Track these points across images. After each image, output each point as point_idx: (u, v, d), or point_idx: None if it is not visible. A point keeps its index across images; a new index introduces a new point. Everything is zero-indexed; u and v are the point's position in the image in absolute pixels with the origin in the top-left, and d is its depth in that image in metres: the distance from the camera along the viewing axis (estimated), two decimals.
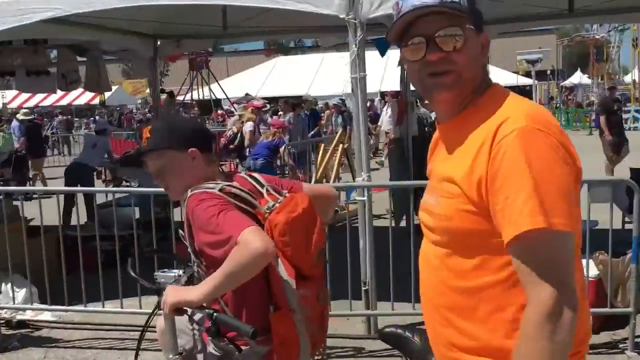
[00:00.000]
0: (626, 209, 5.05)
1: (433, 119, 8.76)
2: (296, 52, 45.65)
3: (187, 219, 2.07)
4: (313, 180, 8.42)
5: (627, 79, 37.01)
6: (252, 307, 2.05)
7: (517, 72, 29.86)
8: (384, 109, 13.32)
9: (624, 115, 24.29)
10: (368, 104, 6.46)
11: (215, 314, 1.86)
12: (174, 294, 1.93)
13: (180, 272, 2.28)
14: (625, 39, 34.08)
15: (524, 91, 24.47)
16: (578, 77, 42.53)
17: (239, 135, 11.14)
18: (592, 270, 4.40)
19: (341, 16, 4.34)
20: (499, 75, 25.62)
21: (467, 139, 1.38)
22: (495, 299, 1.36)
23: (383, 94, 20.63)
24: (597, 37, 33.86)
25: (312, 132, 12.74)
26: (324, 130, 14.76)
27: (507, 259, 1.32)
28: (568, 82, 40.65)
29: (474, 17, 1.40)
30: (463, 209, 1.35)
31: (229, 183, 2.11)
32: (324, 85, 23.61)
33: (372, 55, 5.39)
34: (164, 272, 2.32)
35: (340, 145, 8.57)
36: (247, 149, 10.68)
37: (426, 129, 7.66)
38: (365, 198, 4.50)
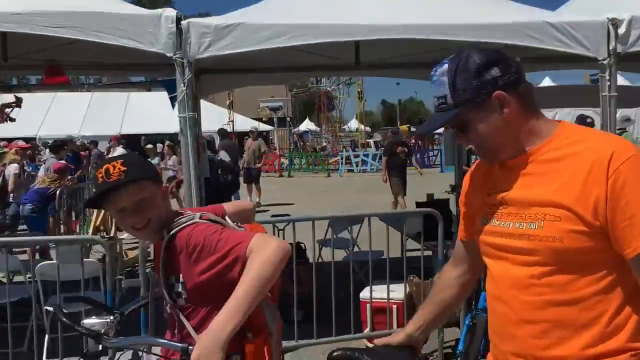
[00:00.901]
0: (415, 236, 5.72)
1: (227, 161, 8.89)
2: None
3: (163, 253, 1.97)
4: (91, 229, 7.82)
5: (353, 125, 42.04)
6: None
7: (260, 119, 31.68)
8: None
9: (355, 159, 27.52)
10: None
11: (189, 346, 1.75)
12: (214, 345, 1.70)
13: (110, 317, 2.05)
14: (351, 92, 38.78)
15: (265, 137, 26.29)
16: (306, 125, 46.88)
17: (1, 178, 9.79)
18: (398, 293, 4.95)
19: (168, 55, 4.27)
20: (242, 121, 27.03)
21: (565, 167, 1.52)
22: (595, 308, 1.50)
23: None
24: (329, 88, 37.87)
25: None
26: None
27: (608, 268, 1.50)
28: (299, 129, 44.53)
29: (463, 101, 1.57)
30: (573, 229, 1.47)
31: (201, 212, 2.06)
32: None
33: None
34: (91, 319, 2.06)
35: None
36: (11, 194, 9.44)
37: (219, 171, 7.76)
38: None
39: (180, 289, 1.98)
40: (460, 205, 1.91)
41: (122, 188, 1.94)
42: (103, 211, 7.84)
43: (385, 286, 4.85)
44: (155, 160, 13.61)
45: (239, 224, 2.12)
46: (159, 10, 4.32)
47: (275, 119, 28.18)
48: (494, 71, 1.56)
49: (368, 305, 4.95)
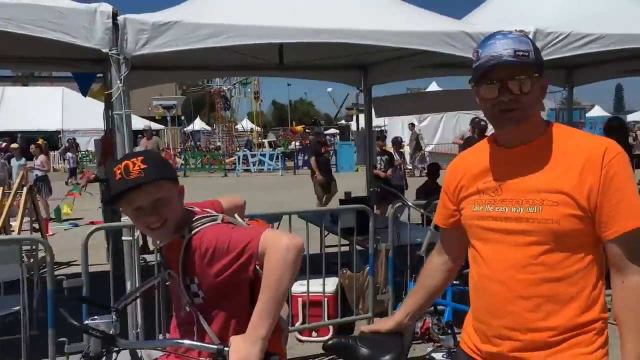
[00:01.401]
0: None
1: None
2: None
3: (182, 254, 1.94)
4: None
5: (245, 125, 41.91)
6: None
7: (152, 118, 30.79)
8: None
9: (252, 159, 27.53)
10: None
11: (225, 348, 1.77)
12: (251, 348, 1.75)
13: (113, 316, 2.03)
14: (247, 92, 38.60)
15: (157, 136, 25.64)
16: (198, 124, 46.18)
17: None
18: (330, 286, 5.16)
19: (104, 50, 4.18)
20: (134, 120, 26.26)
21: (562, 160, 1.73)
22: (578, 284, 1.72)
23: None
24: (224, 88, 37.50)
25: None
26: None
27: (589, 249, 1.73)
28: (189, 128, 43.78)
29: (538, 66, 1.75)
30: (570, 213, 1.68)
31: (221, 214, 2.08)
32: None
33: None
34: (94, 319, 2.02)
35: (24, 189, 7.70)
36: None
37: None
38: (133, 238, 4.34)
39: (196, 289, 1.98)
40: (443, 195, 2.06)
41: (142, 187, 1.89)
42: (4, 213, 7.41)
43: (316, 280, 5.04)
44: (21, 161, 12.69)
45: (246, 222, 2.18)
46: (94, 5, 4.21)
47: (168, 118, 27.52)
48: (542, 59, 1.80)
49: (299, 299, 5.11)
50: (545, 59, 5.33)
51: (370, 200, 6.61)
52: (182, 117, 37.09)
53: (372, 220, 4.78)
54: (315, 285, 5.01)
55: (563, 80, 8.68)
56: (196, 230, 1.95)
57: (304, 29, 4.76)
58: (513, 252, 1.76)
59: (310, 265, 4.94)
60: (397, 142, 10.48)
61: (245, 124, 43.49)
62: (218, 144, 36.36)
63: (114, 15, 4.17)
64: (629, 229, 1.67)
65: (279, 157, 27.08)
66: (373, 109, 8.05)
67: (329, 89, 47.75)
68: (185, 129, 41.33)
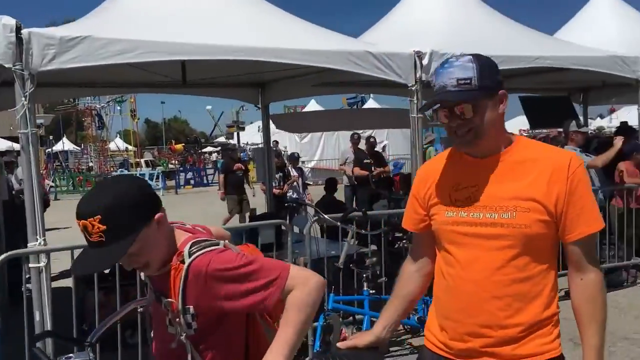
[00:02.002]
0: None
1: (20, 186, 8.04)
2: None
3: (183, 281, 1.78)
4: None
5: (118, 144, 40.21)
6: None
7: (16, 138, 28.63)
8: None
9: None
10: None
11: None
12: None
13: (90, 353, 1.91)
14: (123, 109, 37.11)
15: None
16: (67, 144, 43.64)
17: None
18: None
19: (7, 66, 3.93)
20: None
21: (530, 170, 1.87)
22: (540, 283, 1.88)
23: None
24: (98, 106, 35.77)
25: None
26: None
27: (549, 252, 1.89)
28: (57, 148, 41.27)
29: (483, 89, 1.84)
30: (540, 218, 1.83)
31: (218, 240, 1.89)
32: None
33: None
34: (69, 357, 1.88)
35: None
36: None
37: (13, 192, 7.09)
38: (42, 264, 4.08)
39: (190, 320, 1.83)
40: (413, 200, 2.12)
41: (119, 255, 1.71)
42: None
43: None
44: None
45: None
46: None
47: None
48: (500, 76, 1.93)
49: None
50: None
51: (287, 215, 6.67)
52: (51, 137, 34.83)
53: (291, 235, 4.84)
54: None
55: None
56: (197, 254, 1.79)
57: (208, 45, 4.75)
58: (488, 255, 1.88)
59: None
60: (294, 158, 10.64)
61: (118, 143, 41.78)
62: (90, 164, 34.56)
63: (18, 29, 3.94)
64: (589, 232, 1.87)
65: (159, 176, 26.29)
66: (273, 125, 8.13)
67: (208, 107, 47.23)
68: (51, 149, 38.88)
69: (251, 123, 34.90)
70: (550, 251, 1.92)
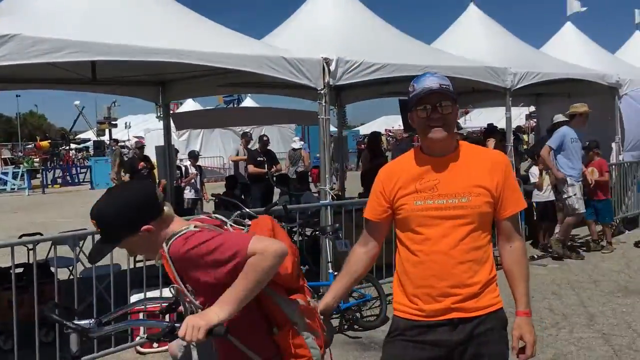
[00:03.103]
0: None
1: None
2: None
3: (172, 266, 2.09)
4: None
5: None
6: (259, 338, 2.18)
7: None
8: None
9: None
10: None
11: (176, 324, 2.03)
12: (200, 320, 1.94)
13: (92, 320, 2.17)
14: None
15: None
16: None
17: None
18: (169, 295, 5.32)
19: None
20: None
21: (476, 165, 2.41)
22: (487, 250, 2.42)
23: None
24: None
25: None
26: None
27: (489, 226, 2.42)
28: None
29: (455, 96, 2.39)
30: (487, 200, 2.37)
31: (196, 223, 2.16)
32: None
33: None
34: (75, 322, 2.13)
35: None
36: None
37: None
38: None
39: (193, 297, 2.14)
40: (376, 195, 2.54)
41: (104, 251, 2.19)
42: None
43: (155, 291, 5.18)
44: None
45: (242, 221, 2.35)
46: None
47: None
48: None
49: (140, 314, 5.17)
50: (343, 83, 6.28)
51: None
52: None
53: None
54: (155, 296, 5.13)
55: (334, 100, 9.90)
56: (172, 240, 2.08)
57: (137, 46, 4.90)
58: (453, 231, 2.38)
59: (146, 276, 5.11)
60: (194, 156, 10.69)
61: None
62: None
63: None
64: (518, 210, 2.46)
65: (24, 175, 24.67)
66: (173, 123, 8.24)
67: (77, 102, 44.68)
68: None
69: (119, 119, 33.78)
70: (490, 225, 2.48)
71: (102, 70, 6.34)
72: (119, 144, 24.56)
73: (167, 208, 2.20)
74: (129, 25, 5.20)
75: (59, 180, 26.63)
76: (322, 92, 6.02)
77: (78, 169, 28.42)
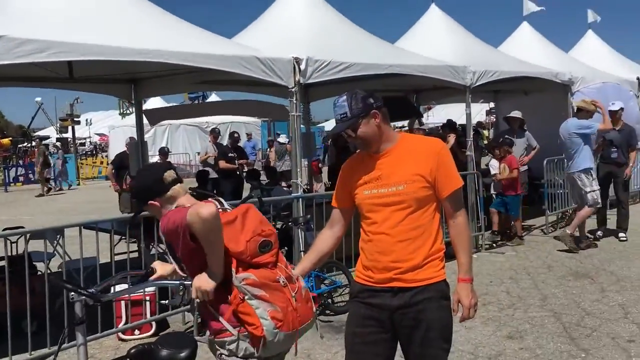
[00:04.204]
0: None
1: None
2: None
3: (163, 238, 2.61)
4: None
5: None
6: (220, 300, 2.58)
7: None
8: None
9: None
10: None
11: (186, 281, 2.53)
12: (206, 282, 2.48)
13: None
14: None
15: None
16: None
17: None
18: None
19: None
20: None
21: (412, 156, 2.75)
22: (428, 229, 2.74)
23: None
24: None
25: None
26: None
27: (432, 207, 2.76)
28: None
29: (355, 116, 2.72)
30: (422, 185, 2.71)
31: (180, 202, 2.69)
32: None
33: None
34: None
35: None
36: None
37: None
38: None
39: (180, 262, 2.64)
40: (340, 185, 2.97)
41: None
42: None
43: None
44: None
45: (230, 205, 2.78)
46: None
47: None
48: (371, 100, 2.80)
49: (122, 302, 5.41)
50: (312, 81, 6.59)
51: None
52: None
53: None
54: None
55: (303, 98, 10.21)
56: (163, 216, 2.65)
57: (142, 49, 5.14)
58: (393, 214, 2.75)
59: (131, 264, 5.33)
60: (164, 152, 10.84)
61: None
62: None
63: None
64: (454, 188, 2.77)
65: None
66: (145, 118, 8.42)
67: (38, 98, 43.81)
68: None
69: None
70: (433, 206, 2.80)
71: (78, 68, 6.52)
72: (43, 142, 24.44)
73: (176, 189, 2.69)
74: (107, 25, 5.41)
75: (21, 179, 26.25)
76: (292, 90, 6.32)
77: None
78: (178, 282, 2.56)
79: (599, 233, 9.04)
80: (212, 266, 2.51)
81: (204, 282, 2.50)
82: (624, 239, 8.84)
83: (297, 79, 6.32)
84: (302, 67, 6.34)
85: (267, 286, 2.59)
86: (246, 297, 2.53)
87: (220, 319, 2.58)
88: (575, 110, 8.64)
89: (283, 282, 2.66)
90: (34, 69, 5.97)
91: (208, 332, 2.67)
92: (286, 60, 6.28)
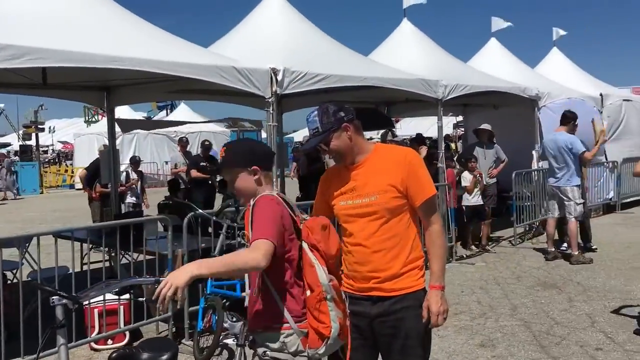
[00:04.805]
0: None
1: None
2: None
3: (251, 210, 2.60)
4: None
5: None
6: (291, 291, 2.64)
7: None
8: None
9: None
10: None
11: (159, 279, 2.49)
12: (181, 272, 2.33)
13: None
14: None
15: None
16: None
17: None
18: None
19: None
20: None
21: (384, 166, 2.78)
22: (405, 237, 2.78)
23: None
24: None
25: None
26: None
27: (407, 216, 2.79)
28: None
29: (327, 130, 2.76)
30: (394, 196, 2.74)
31: (280, 193, 2.76)
32: None
33: None
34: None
35: None
36: None
37: None
38: None
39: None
40: (320, 196, 3.02)
41: (222, 169, 2.82)
42: None
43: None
44: None
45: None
46: None
47: None
48: (342, 113, 2.83)
49: (96, 310, 5.34)
50: (288, 92, 6.62)
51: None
52: None
53: (170, 229, 5.34)
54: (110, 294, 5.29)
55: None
56: (263, 194, 2.68)
57: (96, 54, 5.08)
58: (368, 225, 2.79)
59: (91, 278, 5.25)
60: (135, 161, 10.70)
61: None
62: None
63: None
64: (427, 197, 2.79)
65: None
66: (118, 126, 8.33)
67: (0, 104, 42.79)
68: None
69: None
70: (408, 215, 2.83)
71: (52, 74, 6.43)
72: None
73: (271, 174, 2.85)
74: (84, 32, 5.37)
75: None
76: (269, 100, 6.35)
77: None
78: (153, 279, 2.56)
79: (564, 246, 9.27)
80: (209, 267, 2.40)
81: (178, 277, 2.29)
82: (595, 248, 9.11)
83: (274, 90, 6.35)
84: (279, 77, 6.38)
85: (339, 295, 2.70)
86: (327, 297, 2.60)
87: (285, 310, 2.62)
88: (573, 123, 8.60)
89: (343, 297, 2.77)
90: (7, 74, 5.88)
91: (245, 327, 2.68)
92: (264, 70, 6.32)
